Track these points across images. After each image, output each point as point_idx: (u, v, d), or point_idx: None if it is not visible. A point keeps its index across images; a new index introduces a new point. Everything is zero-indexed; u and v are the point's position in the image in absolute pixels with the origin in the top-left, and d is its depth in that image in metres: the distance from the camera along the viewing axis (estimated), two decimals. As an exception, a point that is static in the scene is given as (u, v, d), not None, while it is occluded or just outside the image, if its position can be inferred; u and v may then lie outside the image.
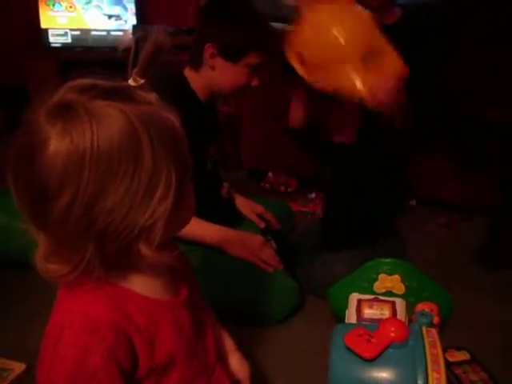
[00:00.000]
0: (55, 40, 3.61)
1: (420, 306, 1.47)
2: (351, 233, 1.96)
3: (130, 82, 0.78)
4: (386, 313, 1.38)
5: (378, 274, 1.55)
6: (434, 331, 1.04)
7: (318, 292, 1.75)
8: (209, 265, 1.56)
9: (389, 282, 1.54)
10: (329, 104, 1.65)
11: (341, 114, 1.80)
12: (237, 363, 1.03)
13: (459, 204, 2.47)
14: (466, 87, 2.50)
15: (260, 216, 1.89)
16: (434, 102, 2.30)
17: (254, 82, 1.61)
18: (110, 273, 0.72)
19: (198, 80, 1.61)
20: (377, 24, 1.54)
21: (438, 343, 1.00)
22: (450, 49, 2.54)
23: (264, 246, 1.66)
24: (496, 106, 2.29)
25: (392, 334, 0.99)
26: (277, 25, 2.99)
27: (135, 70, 0.80)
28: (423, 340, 1.00)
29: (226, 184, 1.84)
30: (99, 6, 3.65)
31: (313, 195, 2.76)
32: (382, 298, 1.46)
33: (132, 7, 3.68)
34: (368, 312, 1.39)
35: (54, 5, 3.56)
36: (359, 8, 1.59)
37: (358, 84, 1.47)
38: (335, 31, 1.49)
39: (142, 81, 0.79)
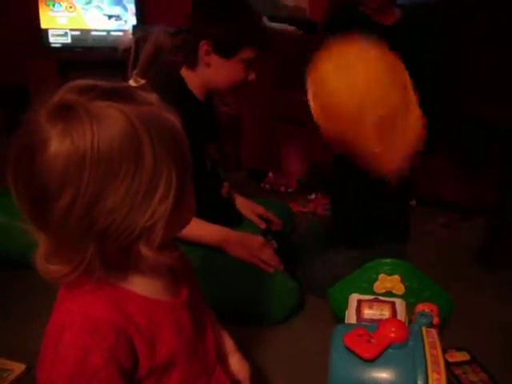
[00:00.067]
0: (55, 40, 3.61)
1: (420, 307, 1.47)
2: (352, 233, 1.96)
3: (131, 82, 0.78)
4: (386, 313, 1.38)
5: (377, 274, 1.55)
6: (433, 332, 1.04)
7: (318, 292, 1.75)
8: (209, 265, 1.56)
9: (389, 282, 1.54)
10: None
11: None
12: (237, 363, 1.03)
13: (459, 204, 2.47)
14: (466, 87, 2.50)
15: (261, 216, 1.90)
16: (433, 102, 2.31)
17: (251, 77, 1.62)
18: (110, 273, 0.72)
19: (194, 79, 1.61)
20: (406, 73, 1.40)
21: (438, 344, 1.00)
22: (450, 49, 2.54)
23: (264, 246, 1.66)
24: (496, 105, 2.29)
25: (392, 335, 0.99)
26: (277, 25, 3.01)
27: (136, 71, 0.80)
28: (423, 341, 1.00)
29: (226, 184, 1.84)
30: (99, 7, 3.65)
31: (313, 196, 2.76)
32: (381, 298, 1.46)
33: (132, 7, 3.69)
34: (368, 312, 1.39)
35: (54, 5, 3.57)
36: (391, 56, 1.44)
37: (375, 153, 1.33)
38: (363, 85, 1.36)
39: (143, 81, 0.79)
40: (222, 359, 0.99)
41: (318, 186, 2.73)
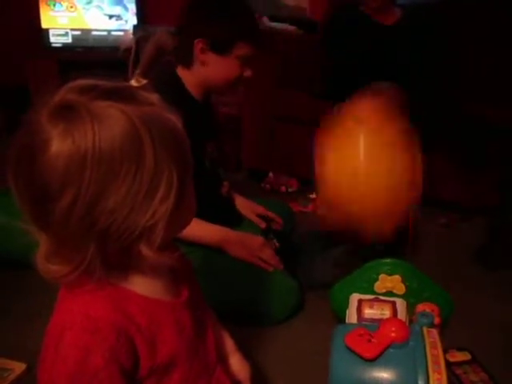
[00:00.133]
0: (56, 40, 3.62)
1: (420, 307, 1.47)
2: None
3: (133, 82, 0.78)
4: (387, 313, 1.38)
5: (378, 274, 1.55)
6: (434, 332, 1.05)
7: (317, 289, 1.75)
8: (209, 265, 1.57)
9: (389, 282, 1.54)
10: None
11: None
12: (237, 364, 1.03)
13: (459, 204, 2.46)
14: (466, 87, 2.50)
15: (261, 215, 1.90)
16: (434, 102, 2.31)
17: (247, 73, 1.61)
18: (110, 273, 0.72)
19: (191, 78, 1.61)
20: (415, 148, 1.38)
21: (439, 344, 1.00)
22: (450, 49, 2.54)
23: (264, 246, 1.66)
24: (496, 105, 2.29)
25: (393, 334, 1.00)
26: (277, 24, 3.01)
27: (137, 71, 0.80)
28: (424, 340, 1.01)
29: (225, 183, 1.84)
30: (100, 6, 3.65)
31: (313, 195, 2.76)
32: (382, 298, 1.46)
33: (133, 7, 3.69)
34: (369, 312, 1.39)
35: (54, 5, 3.57)
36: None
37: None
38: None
39: (144, 81, 0.79)
40: (223, 359, 0.99)
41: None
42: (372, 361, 0.98)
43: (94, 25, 3.66)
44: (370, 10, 2.56)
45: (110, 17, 3.68)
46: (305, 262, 1.85)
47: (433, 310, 1.44)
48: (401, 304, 1.41)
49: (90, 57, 3.52)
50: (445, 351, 1.00)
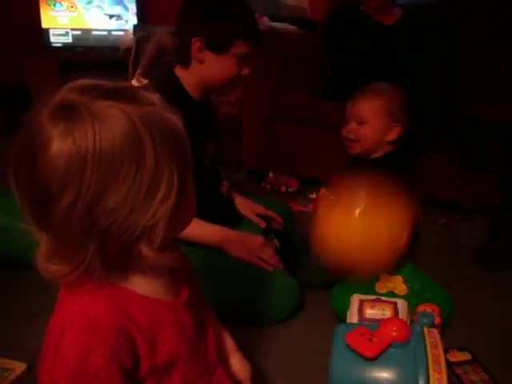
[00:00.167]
0: (56, 40, 3.62)
1: (421, 307, 1.47)
2: None
3: (134, 82, 0.78)
4: (388, 313, 1.38)
5: (379, 274, 1.55)
6: (435, 332, 1.05)
7: (317, 288, 1.75)
8: (209, 265, 1.57)
9: (390, 282, 1.54)
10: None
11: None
12: (238, 364, 1.03)
13: (459, 204, 2.46)
14: (466, 87, 2.50)
15: (261, 215, 1.90)
16: (434, 102, 2.31)
17: (245, 72, 1.61)
18: (110, 273, 0.72)
19: (189, 78, 1.61)
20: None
21: (440, 344, 1.00)
22: (450, 49, 2.54)
23: (264, 246, 1.66)
24: (496, 105, 2.28)
25: (393, 334, 1.00)
26: (277, 24, 3.01)
27: (138, 71, 0.80)
28: (425, 340, 1.01)
29: (225, 183, 1.84)
30: (100, 6, 3.65)
31: (314, 195, 2.76)
32: (383, 298, 1.46)
33: (133, 7, 3.69)
34: (370, 312, 1.39)
35: (54, 4, 3.57)
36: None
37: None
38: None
39: (145, 81, 0.79)
40: (223, 359, 0.99)
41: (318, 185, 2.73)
42: (373, 360, 0.98)
43: (95, 25, 3.66)
44: (370, 9, 2.56)
45: (111, 17, 3.69)
46: (305, 261, 1.85)
47: (433, 311, 1.44)
48: (402, 305, 1.41)
49: (91, 57, 3.52)
50: (445, 351, 1.00)
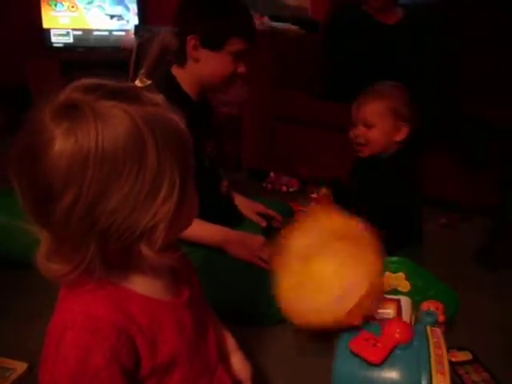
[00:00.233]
0: (57, 40, 3.63)
1: (425, 305, 1.46)
2: None
3: (137, 82, 0.78)
4: (391, 311, 1.38)
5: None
6: (438, 331, 1.04)
7: None
8: (209, 265, 1.57)
9: (393, 279, 1.54)
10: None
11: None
12: (238, 363, 1.03)
13: (459, 204, 2.47)
14: (466, 87, 2.51)
15: (262, 214, 1.90)
16: (434, 101, 2.31)
17: (241, 69, 1.61)
18: (111, 273, 0.72)
19: (185, 76, 1.60)
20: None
21: (443, 343, 1.00)
22: (450, 49, 2.54)
23: (264, 246, 1.66)
24: (496, 105, 2.29)
25: (397, 336, 0.99)
26: (278, 24, 3.01)
27: (142, 71, 0.80)
28: (428, 340, 1.00)
29: (225, 182, 1.84)
30: (101, 6, 3.66)
31: (314, 195, 2.76)
32: (386, 296, 1.46)
33: (134, 7, 3.70)
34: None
35: (56, 5, 3.58)
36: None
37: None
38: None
39: (149, 82, 0.79)
40: (224, 359, 0.99)
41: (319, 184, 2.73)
42: (379, 365, 0.98)
43: (96, 25, 3.67)
44: (372, 9, 2.56)
45: (112, 17, 3.69)
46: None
47: (437, 308, 1.44)
48: (406, 302, 1.41)
49: (92, 57, 3.53)
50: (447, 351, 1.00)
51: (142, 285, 0.76)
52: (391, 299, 1.42)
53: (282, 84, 2.76)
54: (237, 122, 2.98)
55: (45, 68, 3.37)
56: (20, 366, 1.41)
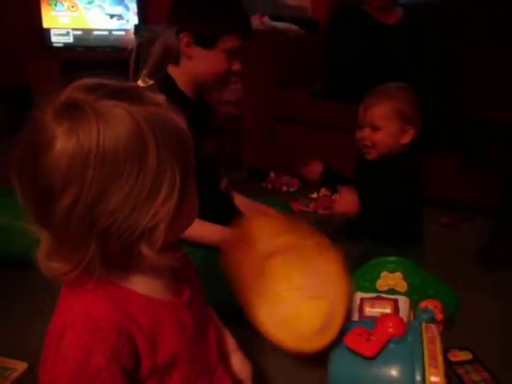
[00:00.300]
0: (57, 40, 3.63)
1: (424, 304, 1.47)
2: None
3: (139, 82, 0.78)
4: (388, 311, 1.38)
5: (380, 272, 1.54)
6: (433, 327, 1.05)
7: None
8: (209, 265, 1.56)
9: (391, 279, 1.54)
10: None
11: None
12: (239, 363, 1.03)
13: (459, 204, 2.47)
14: (466, 87, 2.51)
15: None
16: (434, 102, 2.31)
17: (235, 67, 1.60)
18: (111, 273, 0.72)
19: (179, 75, 1.60)
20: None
21: (438, 339, 1.00)
22: (450, 49, 2.54)
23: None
24: (496, 105, 2.29)
25: (390, 330, 1.00)
26: (279, 24, 3.01)
27: (144, 71, 0.80)
28: (421, 336, 1.01)
29: (224, 180, 1.84)
30: (101, 6, 3.66)
31: (315, 195, 2.76)
32: (384, 296, 1.46)
33: (134, 7, 3.70)
34: (370, 310, 1.39)
35: (56, 4, 3.58)
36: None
37: None
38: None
39: (151, 82, 0.79)
40: (224, 359, 0.99)
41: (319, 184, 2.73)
42: (373, 358, 0.98)
43: (96, 24, 3.67)
44: (371, 9, 2.56)
45: (112, 16, 3.69)
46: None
47: (436, 307, 1.44)
48: (403, 302, 1.41)
49: (92, 57, 3.53)
50: (446, 351, 1.01)
51: (142, 285, 0.76)
52: (388, 299, 1.42)
53: (282, 84, 2.76)
54: (237, 122, 2.99)
55: (45, 68, 3.37)
56: (20, 366, 1.41)
